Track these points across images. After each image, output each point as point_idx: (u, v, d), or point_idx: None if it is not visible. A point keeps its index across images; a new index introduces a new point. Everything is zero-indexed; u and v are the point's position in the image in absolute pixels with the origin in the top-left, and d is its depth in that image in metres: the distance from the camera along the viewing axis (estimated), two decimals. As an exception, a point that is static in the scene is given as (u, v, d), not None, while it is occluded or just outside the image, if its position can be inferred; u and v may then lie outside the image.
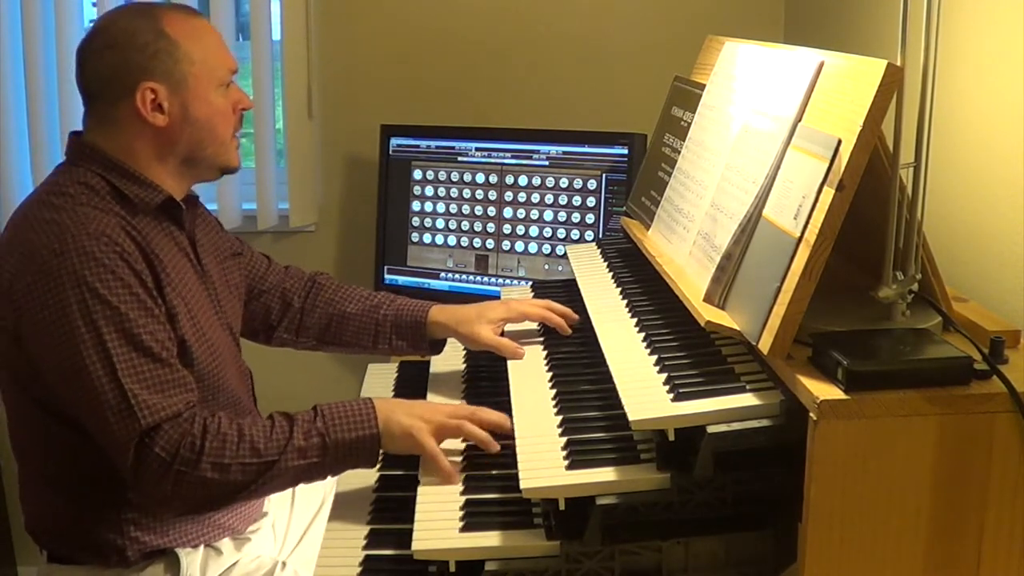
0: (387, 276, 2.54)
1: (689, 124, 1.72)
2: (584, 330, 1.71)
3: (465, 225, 2.44)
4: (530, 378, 1.62)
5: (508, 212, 2.39)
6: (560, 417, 1.45)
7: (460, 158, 2.44)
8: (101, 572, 1.56)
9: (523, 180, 2.37)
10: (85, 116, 1.58)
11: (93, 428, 1.44)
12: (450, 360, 1.93)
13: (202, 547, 1.62)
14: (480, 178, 2.42)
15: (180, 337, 1.51)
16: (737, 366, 1.34)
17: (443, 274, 2.48)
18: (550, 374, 1.62)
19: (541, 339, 1.77)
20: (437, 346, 1.88)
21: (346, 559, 1.48)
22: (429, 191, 2.48)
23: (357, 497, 1.63)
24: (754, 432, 1.22)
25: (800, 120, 1.34)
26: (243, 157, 2.72)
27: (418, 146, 2.48)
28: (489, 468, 1.52)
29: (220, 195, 2.61)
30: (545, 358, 1.69)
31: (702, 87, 1.71)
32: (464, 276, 2.45)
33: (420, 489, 1.50)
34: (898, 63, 1.22)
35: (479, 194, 2.42)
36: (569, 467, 1.31)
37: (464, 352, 1.95)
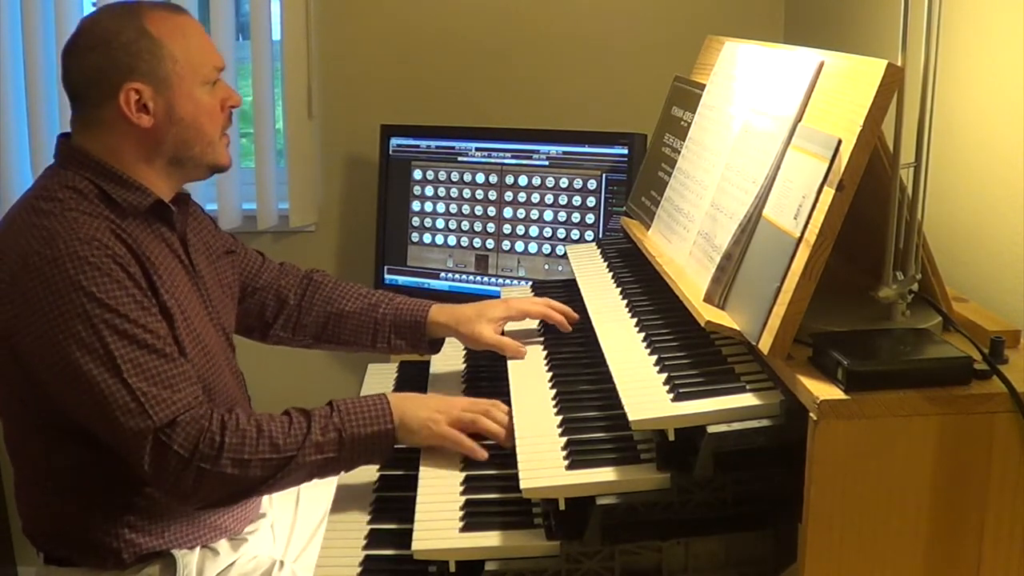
0: (387, 276, 2.54)
1: (689, 124, 1.72)
2: (584, 330, 1.70)
3: (465, 225, 2.44)
4: (530, 378, 1.62)
5: (508, 212, 2.39)
6: (560, 417, 1.45)
7: (460, 158, 2.44)
8: (97, 574, 1.56)
9: (523, 180, 2.37)
10: (72, 118, 1.57)
11: (104, 431, 1.44)
12: (450, 360, 1.93)
13: (199, 548, 1.62)
14: (480, 178, 2.42)
15: (175, 337, 1.51)
16: (737, 366, 1.34)
17: (443, 274, 2.48)
18: (550, 374, 1.62)
19: (541, 339, 1.77)
20: (436, 345, 1.88)
21: (346, 559, 1.48)
22: (429, 191, 2.48)
23: (357, 497, 1.62)
24: (754, 432, 1.22)
25: (800, 120, 1.34)
26: (243, 157, 2.74)
27: (418, 146, 2.48)
28: (489, 468, 1.52)
29: (220, 195, 2.61)
30: (545, 358, 1.69)
31: (702, 87, 1.71)
32: (464, 276, 2.45)
33: (420, 489, 1.50)
34: (898, 63, 1.22)
35: (479, 194, 2.42)
36: (569, 467, 1.31)
37: (464, 352, 1.94)
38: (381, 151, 2.52)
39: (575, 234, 2.32)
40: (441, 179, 2.46)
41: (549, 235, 2.36)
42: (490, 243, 2.42)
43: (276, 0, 2.58)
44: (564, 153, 2.33)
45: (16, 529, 2.70)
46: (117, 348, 1.41)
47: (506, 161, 2.39)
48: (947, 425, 1.14)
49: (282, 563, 1.66)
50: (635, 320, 1.56)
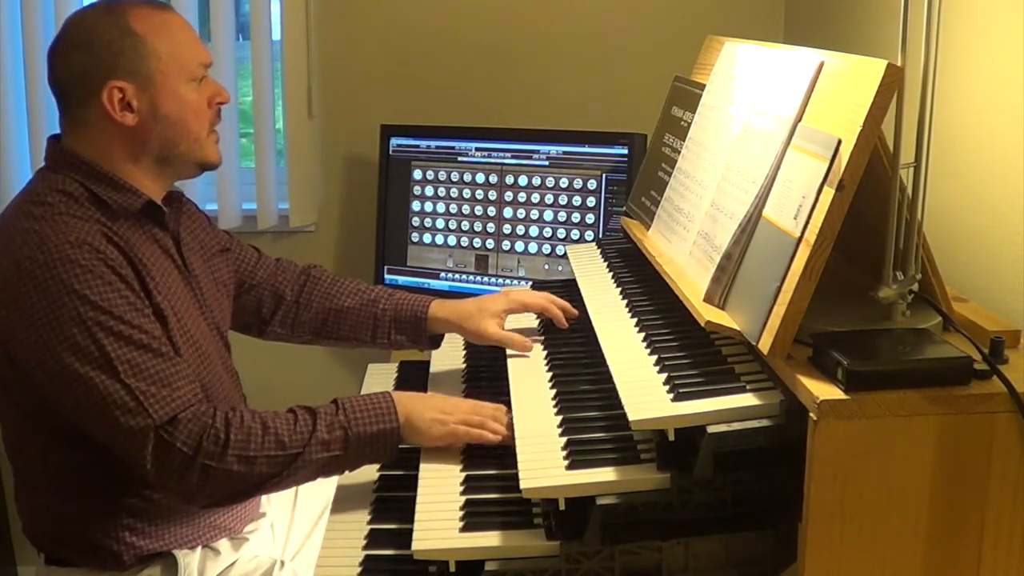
0: (387, 276, 2.54)
1: (689, 124, 1.72)
2: (584, 330, 1.70)
3: (465, 225, 2.44)
4: (530, 378, 1.62)
5: (508, 212, 2.39)
6: (560, 417, 1.45)
7: (460, 158, 2.44)
8: (98, 575, 1.56)
9: (523, 180, 2.37)
10: (60, 118, 1.56)
11: (103, 433, 1.43)
12: (450, 359, 1.93)
13: (199, 548, 1.62)
14: (480, 178, 2.42)
15: (169, 338, 1.50)
16: (737, 366, 1.34)
17: (443, 274, 2.48)
18: (550, 374, 1.62)
19: (541, 338, 1.77)
20: (436, 341, 1.88)
21: (346, 559, 1.48)
22: (429, 191, 2.48)
23: (357, 497, 1.63)
24: (754, 432, 1.22)
25: (800, 120, 1.34)
26: (243, 157, 2.74)
27: (418, 146, 2.48)
28: (489, 468, 1.52)
29: (220, 195, 2.61)
30: (545, 358, 1.69)
31: (702, 87, 1.71)
32: (464, 276, 2.45)
33: (420, 489, 1.50)
34: (898, 63, 1.22)
35: (479, 194, 2.42)
36: (569, 467, 1.31)
37: (464, 351, 1.95)
38: (381, 151, 2.52)
39: (575, 234, 2.32)
40: (441, 179, 2.46)
41: (549, 235, 2.36)
42: (490, 243, 2.42)
43: (276, 0, 2.58)
44: (564, 153, 2.33)
45: (16, 529, 2.70)
46: (113, 349, 1.41)
47: (506, 161, 2.39)
48: (947, 425, 1.14)
49: (283, 563, 1.66)
50: (635, 320, 1.56)
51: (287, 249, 2.68)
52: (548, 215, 2.35)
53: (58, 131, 1.58)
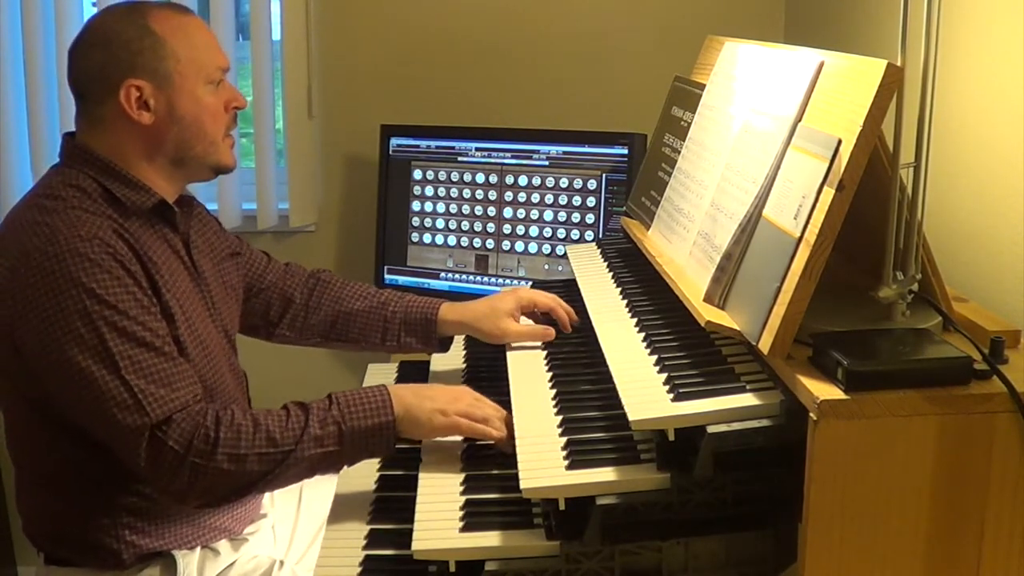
0: (387, 276, 2.54)
1: (689, 124, 1.72)
2: (584, 330, 1.71)
3: (465, 225, 2.44)
4: (530, 378, 1.62)
5: (508, 212, 2.39)
6: (560, 417, 1.45)
7: (460, 158, 2.44)
8: (98, 574, 1.56)
9: (523, 180, 2.37)
10: (76, 116, 1.57)
11: (101, 428, 1.44)
12: (450, 359, 1.93)
13: (199, 548, 1.62)
14: (480, 178, 2.42)
15: (176, 337, 1.51)
16: (737, 366, 1.34)
17: (443, 274, 2.48)
18: (550, 374, 1.62)
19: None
20: (446, 343, 1.88)
21: (346, 559, 1.48)
22: (429, 191, 2.48)
23: (357, 497, 1.63)
24: (754, 432, 1.22)
25: (800, 120, 1.34)
26: (243, 157, 2.74)
27: (418, 146, 2.48)
28: (489, 468, 1.52)
29: (220, 195, 2.61)
30: (545, 358, 1.69)
31: (702, 87, 1.71)
32: (464, 276, 2.45)
33: (420, 488, 1.50)
34: (898, 63, 1.22)
35: (479, 194, 2.42)
36: (569, 467, 1.31)
37: (464, 351, 1.95)
38: (381, 151, 2.52)
39: (575, 234, 2.32)
40: (441, 179, 2.46)
41: (549, 235, 2.36)
42: (490, 243, 2.42)
43: (276, 0, 2.58)
44: (564, 153, 2.33)
45: (16, 529, 2.70)
46: (115, 345, 1.41)
47: (506, 161, 2.39)
48: (947, 425, 1.14)
49: (282, 563, 1.66)
50: (635, 320, 1.56)
51: (287, 249, 2.68)
52: (548, 215, 2.35)
53: (59, 131, 1.58)
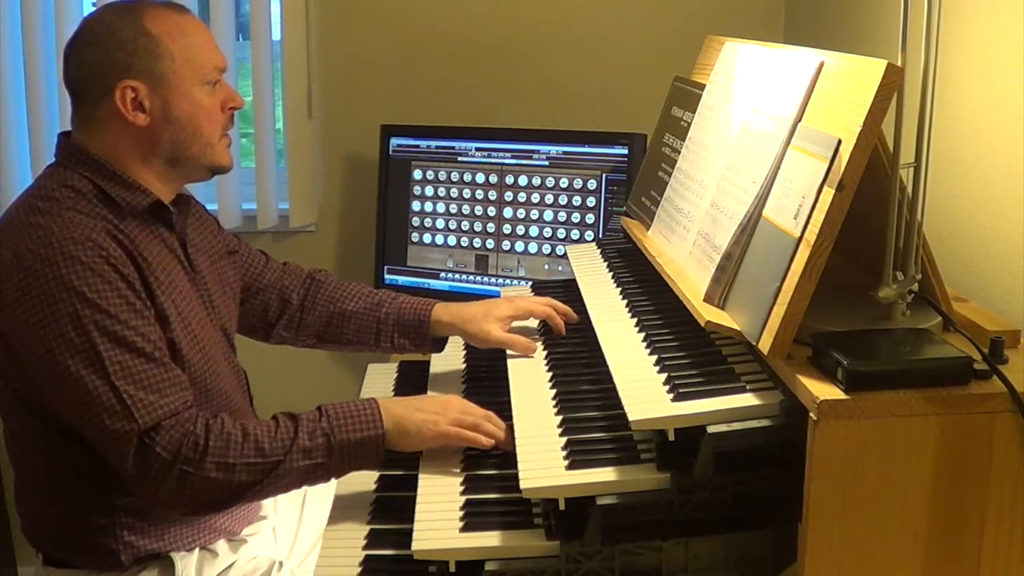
0: (387, 276, 2.54)
1: (689, 124, 1.72)
2: (584, 330, 1.71)
3: (465, 225, 2.44)
4: (530, 378, 1.62)
5: (508, 212, 2.39)
6: (560, 417, 1.45)
7: (460, 158, 2.44)
8: None
9: (523, 180, 2.37)
10: (72, 115, 1.56)
11: (90, 432, 1.43)
12: (450, 359, 1.93)
13: (197, 550, 1.61)
14: (480, 178, 2.42)
15: (171, 340, 1.50)
16: (737, 366, 1.34)
17: (443, 274, 2.48)
18: (550, 374, 1.62)
19: (541, 339, 1.77)
20: (440, 344, 1.88)
21: (346, 559, 1.48)
22: (429, 191, 2.48)
23: (357, 497, 1.62)
24: (754, 432, 1.22)
25: (800, 120, 1.34)
26: (243, 157, 2.74)
27: (418, 146, 2.48)
28: (489, 468, 1.52)
29: (220, 195, 2.61)
30: (545, 358, 1.69)
31: (702, 87, 1.71)
32: (464, 276, 2.45)
33: (420, 489, 1.50)
34: (898, 63, 1.22)
35: (479, 194, 2.42)
36: (569, 467, 1.31)
37: (464, 351, 1.95)
38: (381, 151, 2.52)
39: (575, 234, 2.32)
40: (441, 179, 2.46)
41: (549, 235, 2.36)
42: (490, 243, 2.42)
43: (276, 0, 2.58)
44: (564, 153, 2.33)
45: (16, 529, 2.70)
46: (105, 350, 1.40)
47: (506, 161, 2.39)
48: (947, 425, 1.14)
49: (281, 564, 1.66)
50: (635, 320, 1.56)
51: (287, 249, 2.68)
52: (548, 215, 2.35)
53: (58, 130, 1.58)
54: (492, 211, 2.41)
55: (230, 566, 1.64)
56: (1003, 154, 1.53)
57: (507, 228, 2.40)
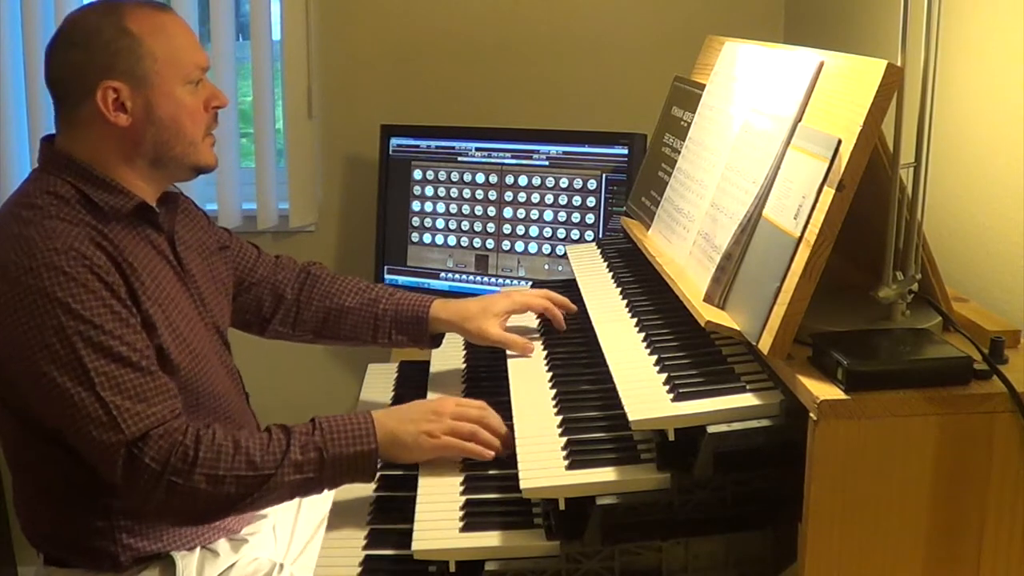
0: (387, 276, 2.54)
1: (689, 124, 1.72)
2: (584, 330, 1.70)
3: (465, 225, 2.44)
4: (530, 378, 1.62)
5: (508, 212, 2.39)
6: (560, 417, 1.45)
7: (460, 158, 2.44)
8: None
9: (523, 180, 2.37)
10: (55, 118, 1.55)
11: (78, 443, 1.43)
12: (450, 359, 1.93)
13: (198, 549, 1.61)
14: (480, 178, 2.42)
15: (159, 346, 1.49)
16: (737, 366, 1.34)
17: (443, 274, 2.48)
18: (550, 374, 1.62)
19: (541, 339, 1.77)
20: (437, 340, 1.87)
21: (346, 559, 1.48)
22: (429, 191, 2.48)
23: (357, 497, 1.62)
24: (754, 432, 1.22)
25: (800, 120, 1.34)
26: (243, 157, 2.74)
27: (418, 146, 2.48)
28: (489, 468, 1.52)
29: (220, 195, 2.61)
30: (545, 358, 1.69)
31: (702, 87, 1.71)
32: (464, 276, 2.45)
33: (420, 489, 1.50)
34: (898, 63, 1.22)
35: (479, 194, 2.42)
36: (569, 467, 1.31)
37: (464, 351, 1.95)
38: (381, 151, 2.52)
39: (575, 234, 2.32)
40: (441, 179, 2.46)
41: (549, 235, 2.36)
42: (490, 243, 2.42)
43: (276, 0, 2.58)
44: (564, 153, 2.33)
45: (17, 529, 2.70)
46: (90, 361, 1.39)
47: (506, 161, 2.39)
48: (947, 425, 1.14)
49: (282, 565, 1.66)
50: (635, 320, 1.56)
51: (287, 249, 2.66)
52: (548, 215, 2.35)
53: (55, 131, 1.57)
54: (492, 211, 2.41)
55: (231, 566, 1.64)
56: (1003, 154, 1.53)
57: (507, 228, 2.40)
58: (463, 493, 1.46)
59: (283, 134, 2.66)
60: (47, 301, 1.39)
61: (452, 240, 2.46)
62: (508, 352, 1.74)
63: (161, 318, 1.52)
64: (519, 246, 2.39)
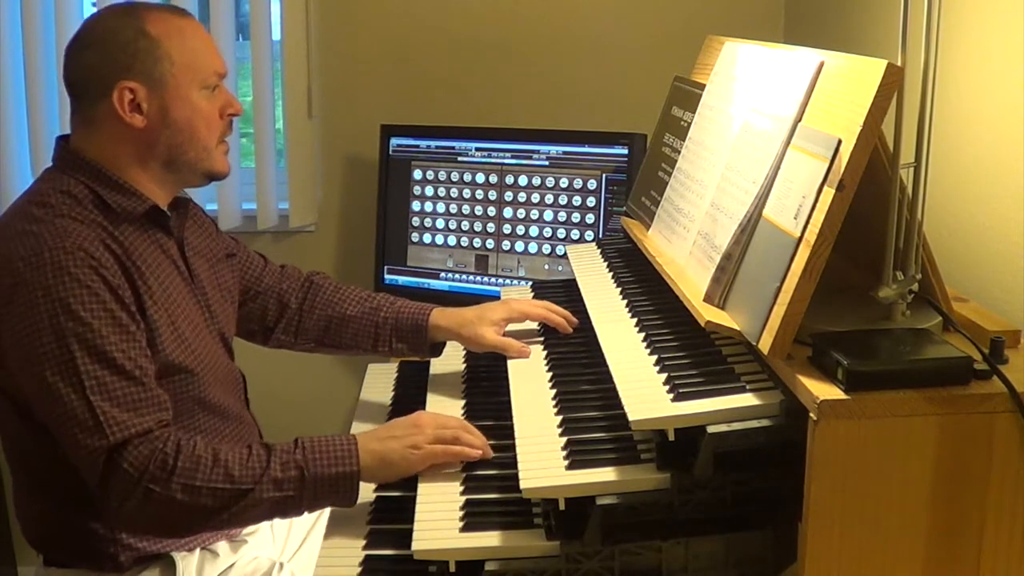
0: (387, 276, 2.54)
1: (689, 124, 1.72)
2: (584, 330, 1.71)
3: (465, 225, 2.44)
4: (530, 378, 1.62)
5: (508, 212, 2.39)
6: (560, 417, 1.45)
7: (460, 158, 2.44)
8: None
9: (523, 180, 2.37)
10: (71, 116, 1.56)
11: (64, 443, 1.43)
12: (450, 361, 1.93)
13: (198, 550, 1.61)
14: (480, 178, 2.42)
15: (162, 351, 1.50)
16: (737, 366, 1.34)
17: (443, 274, 2.48)
18: (550, 374, 1.62)
19: (541, 339, 1.77)
20: (437, 348, 1.88)
21: (346, 559, 1.48)
22: (429, 191, 2.48)
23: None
24: (754, 432, 1.22)
25: (800, 120, 1.34)
26: (243, 157, 2.74)
27: (418, 146, 2.48)
28: (489, 468, 1.52)
29: (220, 195, 2.60)
30: (545, 358, 1.69)
31: (702, 87, 1.71)
32: (464, 276, 2.45)
33: (420, 489, 1.50)
34: (898, 63, 1.22)
35: (479, 194, 2.42)
36: (569, 467, 1.31)
37: (464, 352, 1.94)
38: (381, 151, 2.52)
39: (575, 234, 2.32)
40: (441, 179, 2.46)
41: (549, 235, 2.36)
42: (490, 243, 2.42)
43: (276, 0, 2.58)
44: (564, 153, 2.33)
45: (16, 530, 2.70)
46: (84, 364, 1.39)
47: (506, 161, 2.39)
48: (947, 425, 1.14)
49: (282, 564, 1.66)
50: (635, 320, 1.56)
51: (287, 249, 2.68)
52: (548, 215, 2.35)
53: (59, 131, 1.57)
54: (492, 211, 2.41)
55: (230, 567, 1.64)
56: (1003, 154, 1.53)
57: (507, 228, 2.40)
58: (463, 493, 1.46)
59: (283, 134, 2.66)
60: (50, 300, 1.40)
61: (452, 240, 2.46)
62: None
63: (166, 322, 1.52)
64: (519, 246, 2.39)
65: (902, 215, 1.28)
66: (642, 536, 1.29)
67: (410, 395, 1.91)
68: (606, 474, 1.29)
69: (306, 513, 1.52)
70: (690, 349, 1.41)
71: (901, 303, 1.31)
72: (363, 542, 1.51)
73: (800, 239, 1.22)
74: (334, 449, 1.47)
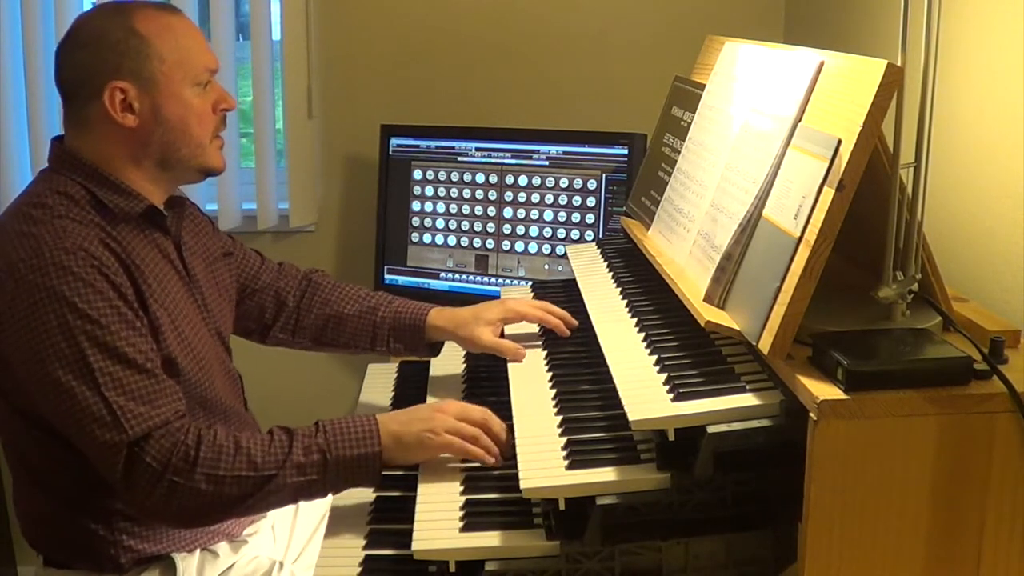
0: (387, 276, 2.54)
1: (689, 124, 1.72)
2: (584, 330, 1.71)
3: (465, 225, 2.44)
4: (530, 378, 1.62)
5: (508, 212, 2.39)
6: (560, 417, 1.45)
7: (460, 158, 2.44)
8: None
9: (523, 180, 2.37)
10: (63, 118, 1.55)
11: (80, 442, 1.43)
12: (450, 361, 1.93)
13: (198, 551, 1.61)
14: (480, 178, 2.42)
15: (164, 349, 1.50)
16: (737, 366, 1.34)
17: (443, 274, 2.48)
18: (550, 374, 1.62)
19: (541, 339, 1.77)
20: (435, 348, 1.88)
21: (346, 559, 1.48)
22: (429, 191, 2.48)
23: (357, 497, 1.62)
24: (754, 432, 1.22)
25: (800, 120, 1.34)
26: (243, 157, 2.74)
27: (418, 146, 2.48)
28: (489, 468, 1.52)
29: (220, 195, 2.60)
30: (545, 358, 1.69)
31: (702, 87, 1.71)
32: (464, 276, 2.45)
33: (420, 489, 1.50)
34: (898, 63, 1.22)
35: (479, 194, 2.42)
36: (569, 467, 1.31)
37: (464, 352, 1.94)
38: (381, 151, 2.52)
39: (575, 234, 2.32)
40: (441, 179, 2.46)
41: (549, 235, 2.36)
42: (490, 243, 2.42)
43: (276, 0, 2.58)
44: (564, 153, 2.33)
45: (16, 530, 2.70)
46: (96, 361, 1.39)
47: (506, 161, 2.39)
48: (947, 425, 1.14)
49: (281, 564, 1.66)
50: (635, 320, 1.56)
51: (287, 249, 2.68)
52: (548, 215, 2.35)
53: (58, 131, 1.57)
54: (492, 211, 2.41)
55: (231, 567, 1.64)
56: (1003, 154, 1.53)
57: (507, 228, 2.40)
58: (463, 493, 1.46)
59: (283, 134, 2.66)
60: (54, 300, 1.40)
61: (452, 240, 2.46)
62: (506, 355, 1.74)
63: (167, 322, 1.52)
64: (519, 246, 2.39)
65: (902, 215, 1.28)
66: (642, 536, 1.30)
67: (410, 395, 1.91)
68: (606, 474, 1.29)
69: (329, 495, 1.52)
70: (690, 349, 1.41)
71: (901, 303, 1.31)
72: (363, 542, 1.51)
73: (800, 239, 1.22)
74: (355, 430, 1.48)
